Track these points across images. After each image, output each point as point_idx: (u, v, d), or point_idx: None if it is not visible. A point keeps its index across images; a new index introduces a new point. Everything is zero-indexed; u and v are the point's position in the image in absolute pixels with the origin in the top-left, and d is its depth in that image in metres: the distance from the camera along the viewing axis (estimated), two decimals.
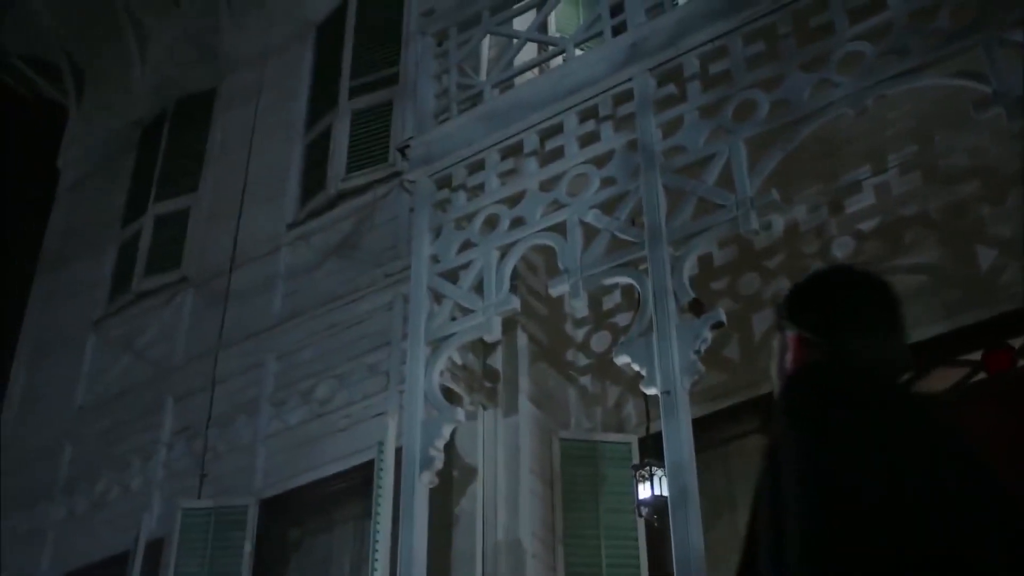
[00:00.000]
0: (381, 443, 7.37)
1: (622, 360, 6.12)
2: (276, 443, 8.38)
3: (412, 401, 6.81)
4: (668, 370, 5.85)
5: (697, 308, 6.04)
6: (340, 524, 8.10)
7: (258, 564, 7.89)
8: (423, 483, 6.58)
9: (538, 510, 7.02)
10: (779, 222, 6.33)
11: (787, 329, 2.39)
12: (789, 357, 2.35)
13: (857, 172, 7.43)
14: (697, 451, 5.77)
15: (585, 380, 7.89)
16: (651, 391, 5.96)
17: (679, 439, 5.70)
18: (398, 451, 7.04)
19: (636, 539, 6.98)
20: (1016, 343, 6.53)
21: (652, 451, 6.80)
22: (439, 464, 6.64)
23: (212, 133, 11.07)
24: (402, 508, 6.63)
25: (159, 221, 10.70)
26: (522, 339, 7.53)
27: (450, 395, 7.00)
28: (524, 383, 7.39)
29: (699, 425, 6.74)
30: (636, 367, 5.99)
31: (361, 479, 7.62)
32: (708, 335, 5.91)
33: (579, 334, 8.08)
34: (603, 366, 7.68)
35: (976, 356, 6.63)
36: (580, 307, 7.12)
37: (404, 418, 6.87)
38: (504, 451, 7.12)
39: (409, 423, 6.76)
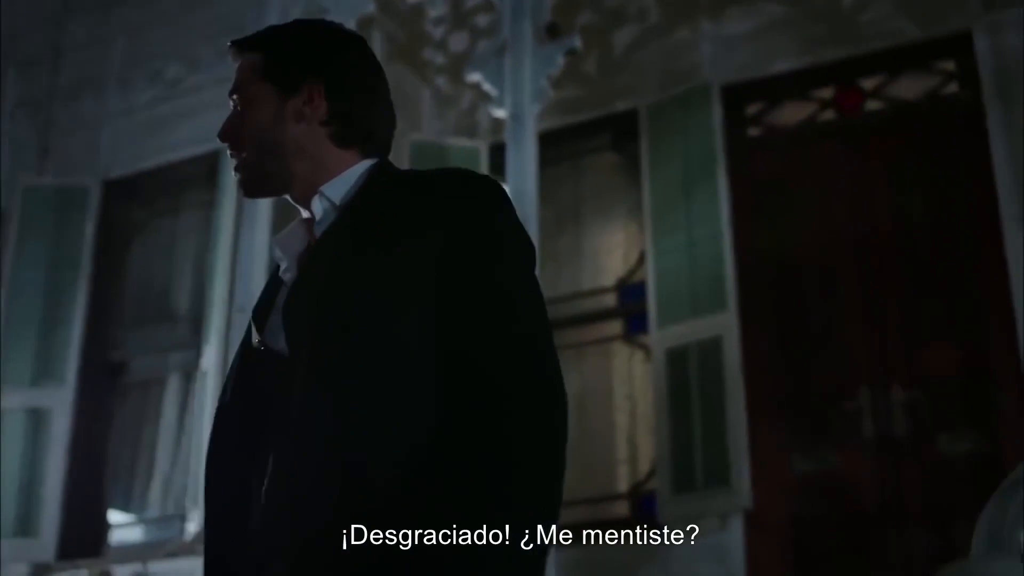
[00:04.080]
0: None
1: (473, 78, 6.01)
2: (123, 123, 8.13)
3: None
4: (518, 94, 5.77)
5: (554, 31, 5.92)
6: (186, 209, 8.01)
7: (101, 245, 7.80)
8: None
9: None
10: None
11: (304, 79, 2.06)
12: (309, 111, 2.04)
13: None
14: (548, 164, 5.76)
15: (441, 81, 7.73)
16: (499, 113, 5.88)
17: (522, 166, 5.68)
18: None
19: None
20: (868, 85, 6.56)
21: (502, 159, 6.75)
22: None
23: None
24: (246, 205, 6.57)
25: None
26: (377, 38, 7.28)
27: None
28: None
29: (551, 138, 6.73)
30: (486, 87, 5.89)
31: (209, 167, 7.50)
32: (561, 61, 5.81)
33: (438, 32, 7.84)
34: (459, 67, 7.50)
35: (828, 94, 6.66)
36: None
37: None
38: None
39: None
